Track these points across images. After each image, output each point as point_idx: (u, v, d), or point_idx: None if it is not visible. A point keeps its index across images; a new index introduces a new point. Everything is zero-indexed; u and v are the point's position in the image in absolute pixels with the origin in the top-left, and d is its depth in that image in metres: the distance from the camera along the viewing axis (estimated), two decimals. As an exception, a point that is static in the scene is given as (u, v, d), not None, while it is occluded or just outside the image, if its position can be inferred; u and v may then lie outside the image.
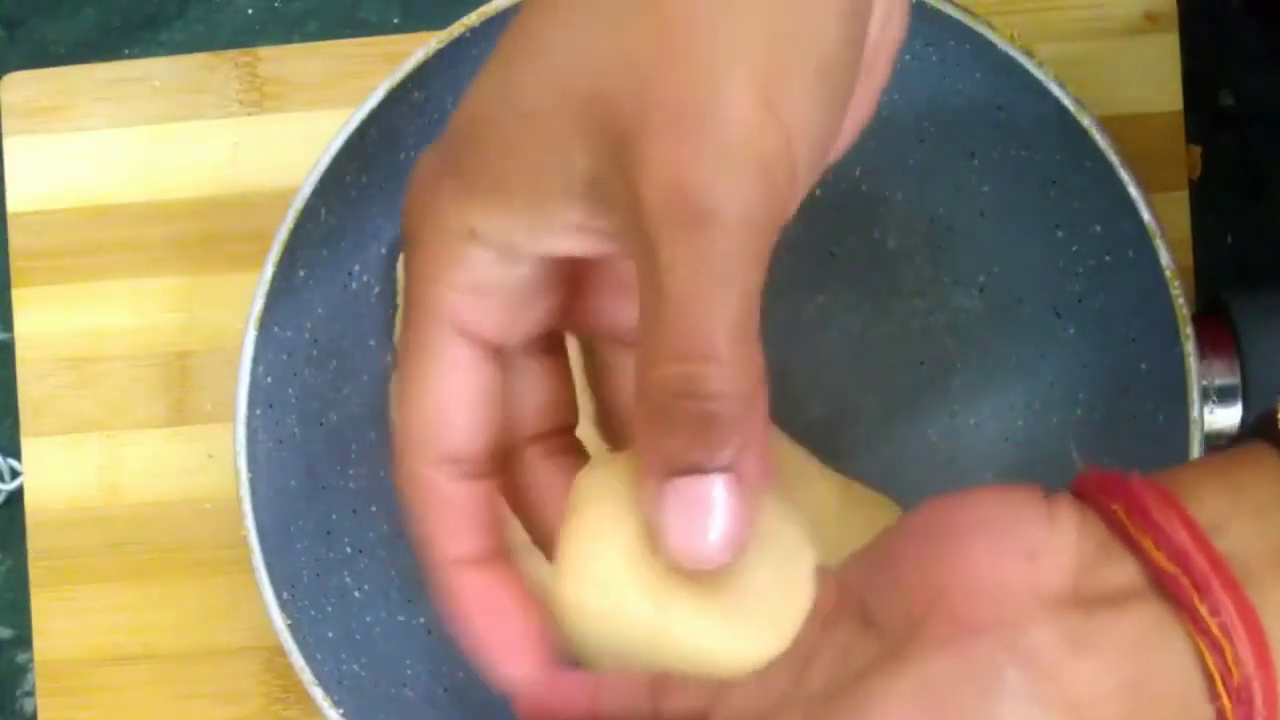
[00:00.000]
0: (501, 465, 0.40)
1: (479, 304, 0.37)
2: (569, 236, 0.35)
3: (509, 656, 0.38)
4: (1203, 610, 0.35)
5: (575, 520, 0.37)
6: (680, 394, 0.33)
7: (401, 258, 0.62)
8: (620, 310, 0.40)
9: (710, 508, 0.35)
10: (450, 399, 0.37)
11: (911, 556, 0.37)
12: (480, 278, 0.36)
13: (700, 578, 0.36)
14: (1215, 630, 0.35)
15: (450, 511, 0.38)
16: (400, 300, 0.62)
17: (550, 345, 0.40)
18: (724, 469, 0.34)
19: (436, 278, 0.36)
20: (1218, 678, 0.35)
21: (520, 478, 0.40)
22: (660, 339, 0.33)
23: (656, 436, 0.34)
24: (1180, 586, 0.35)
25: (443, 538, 0.38)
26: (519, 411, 0.40)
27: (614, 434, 0.42)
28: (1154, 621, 0.36)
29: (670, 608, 0.36)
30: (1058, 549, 0.36)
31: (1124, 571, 0.36)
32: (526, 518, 0.41)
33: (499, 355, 0.38)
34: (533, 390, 0.40)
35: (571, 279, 0.39)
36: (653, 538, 0.35)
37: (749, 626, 0.36)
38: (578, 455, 0.41)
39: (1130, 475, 0.37)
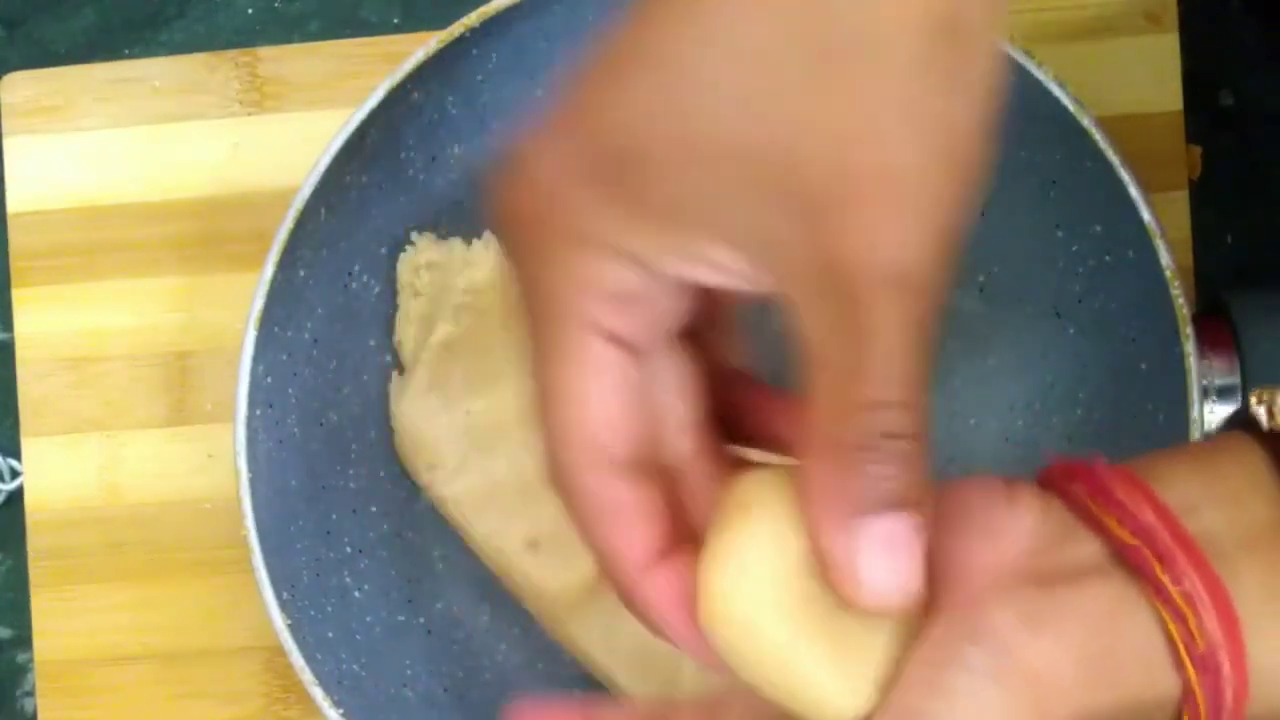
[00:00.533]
0: (660, 466, 0.39)
1: (620, 310, 0.36)
2: (713, 272, 0.36)
3: (704, 646, 0.38)
4: (1165, 579, 0.35)
5: (733, 525, 0.37)
6: (884, 434, 0.34)
7: (402, 258, 0.62)
8: (721, 339, 0.40)
9: (904, 547, 0.35)
10: (607, 401, 0.37)
11: None
12: (622, 287, 0.36)
13: (837, 617, 0.36)
14: (1177, 598, 0.35)
15: (628, 517, 0.37)
16: (402, 296, 0.62)
17: (690, 336, 0.40)
18: (916, 506, 0.35)
19: (572, 282, 0.36)
20: (1181, 646, 0.35)
21: (678, 473, 0.40)
22: (858, 387, 0.34)
23: (850, 475, 0.35)
24: (1142, 557, 0.36)
25: (618, 545, 0.38)
26: (668, 405, 0.39)
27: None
28: (1115, 594, 0.36)
29: (803, 638, 0.36)
30: (1017, 530, 0.37)
31: (1086, 550, 0.37)
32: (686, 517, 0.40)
33: (640, 355, 0.37)
34: (678, 382, 0.39)
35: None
36: (836, 574, 0.35)
37: (861, 676, 0.36)
38: (725, 453, 0.40)
39: (1095, 461, 0.37)
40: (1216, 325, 0.58)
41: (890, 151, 0.34)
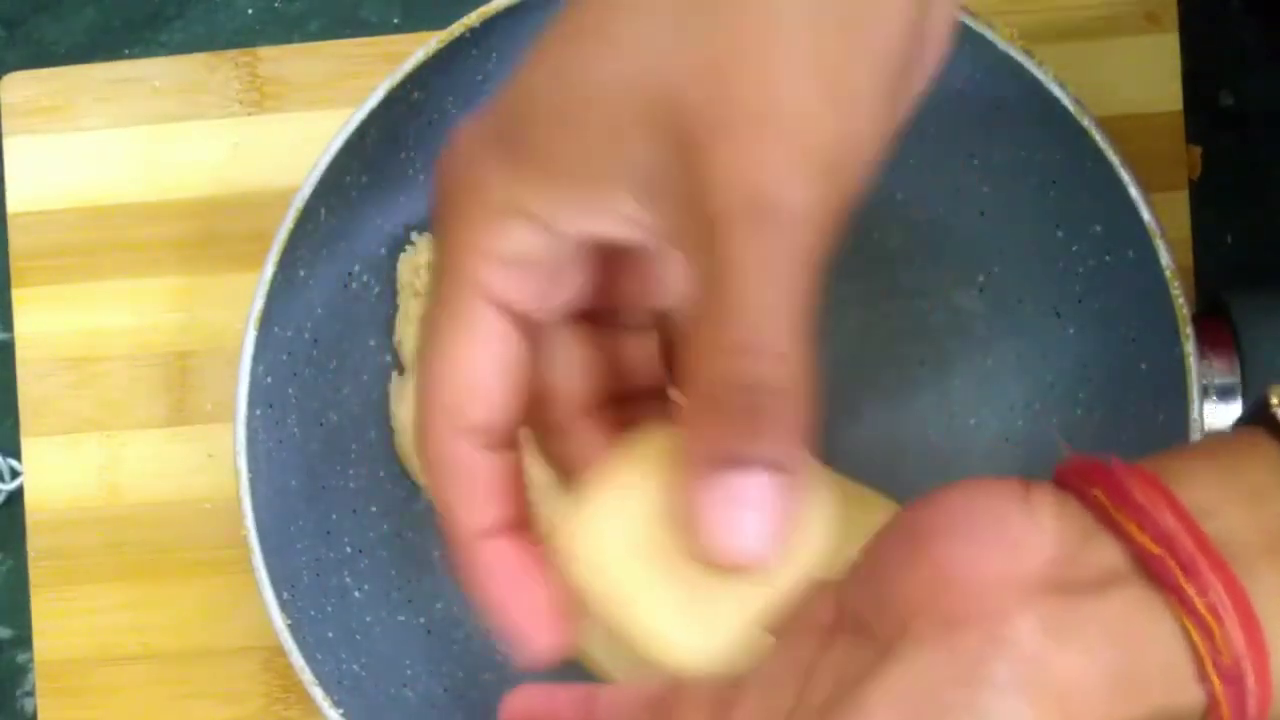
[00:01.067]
0: (547, 437, 0.39)
1: (513, 275, 0.36)
2: (613, 222, 0.36)
3: (530, 625, 0.38)
4: (1189, 590, 0.35)
5: (602, 475, 0.37)
6: (736, 385, 0.33)
7: (401, 258, 0.62)
8: (642, 295, 0.40)
9: (753, 505, 0.34)
10: (479, 368, 0.37)
11: (896, 560, 0.37)
12: (517, 250, 0.36)
13: (696, 570, 0.36)
14: (1202, 610, 0.35)
15: (474, 482, 0.37)
16: (402, 296, 0.62)
17: (586, 317, 0.40)
18: (771, 465, 0.34)
19: (472, 247, 0.36)
20: (1206, 658, 0.35)
21: (567, 447, 0.40)
22: (719, 330, 0.33)
23: (704, 426, 0.34)
24: (1165, 567, 0.35)
25: (466, 508, 0.38)
26: (558, 382, 0.39)
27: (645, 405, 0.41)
28: (1139, 604, 0.35)
29: (650, 582, 0.36)
30: (1037, 538, 0.36)
31: (1107, 556, 0.36)
32: (572, 485, 0.40)
33: (530, 327, 0.38)
34: (570, 360, 0.39)
35: (603, 257, 0.39)
36: (681, 526, 0.35)
37: (710, 629, 0.36)
38: (630, 427, 0.40)
39: (1112, 461, 0.37)
40: (1216, 325, 0.58)
41: (765, 86, 0.33)
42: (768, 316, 0.33)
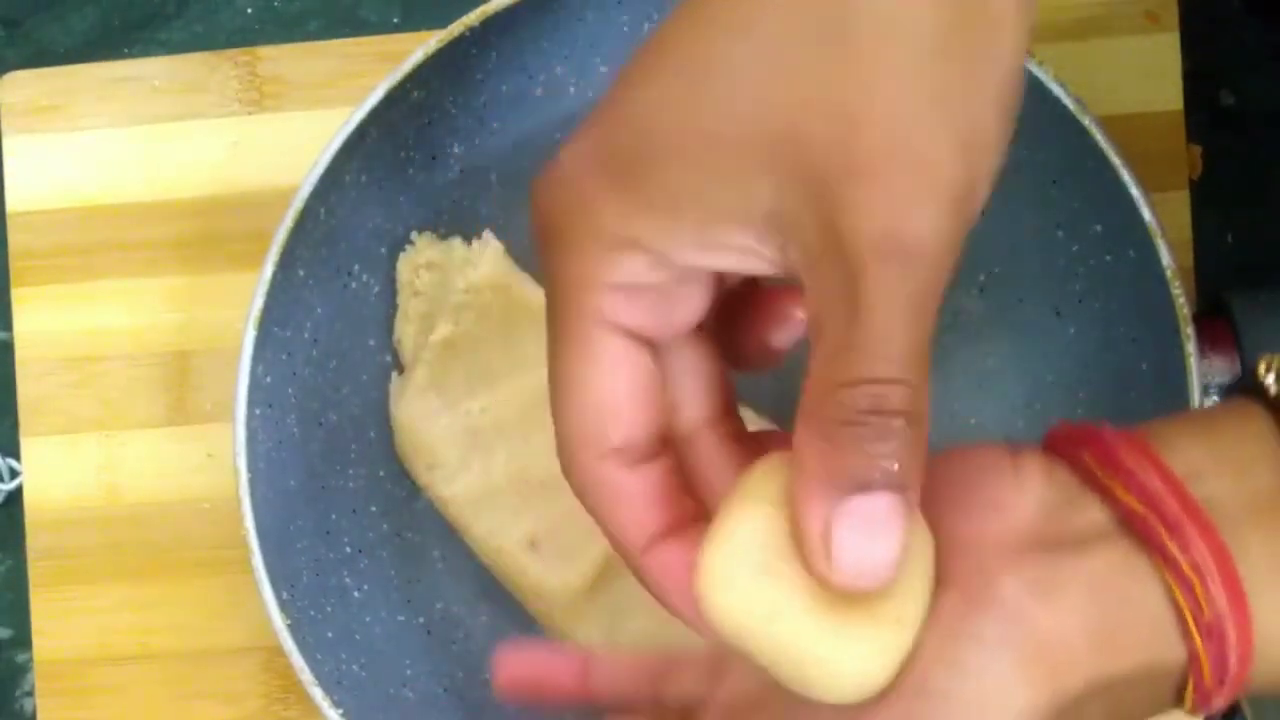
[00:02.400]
0: (672, 450, 0.40)
1: (633, 302, 0.37)
2: (731, 257, 0.36)
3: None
4: (1172, 547, 0.36)
5: (735, 502, 0.37)
6: (874, 410, 0.34)
7: (401, 258, 0.62)
8: (754, 329, 0.40)
9: (886, 526, 0.34)
10: (613, 392, 0.37)
11: None
12: (635, 280, 0.37)
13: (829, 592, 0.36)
14: (1185, 567, 0.35)
15: (626, 500, 0.38)
16: (402, 296, 0.62)
17: (715, 329, 0.40)
18: (900, 488, 0.34)
19: (587, 279, 0.37)
20: (1188, 614, 0.36)
21: (694, 461, 0.40)
22: (855, 361, 0.34)
23: (834, 451, 0.34)
24: (1149, 525, 0.36)
25: (629, 527, 0.38)
26: (685, 395, 0.40)
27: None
28: (1122, 562, 0.36)
29: (796, 610, 0.36)
30: (1023, 499, 0.37)
31: (1091, 516, 0.37)
32: (700, 499, 0.41)
33: (653, 346, 0.38)
34: (695, 373, 0.40)
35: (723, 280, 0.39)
36: (810, 550, 0.35)
37: (863, 651, 0.36)
38: (750, 440, 0.41)
39: (1101, 426, 0.37)
40: (1216, 325, 0.58)
41: (897, 128, 0.34)
42: (902, 350, 0.34)
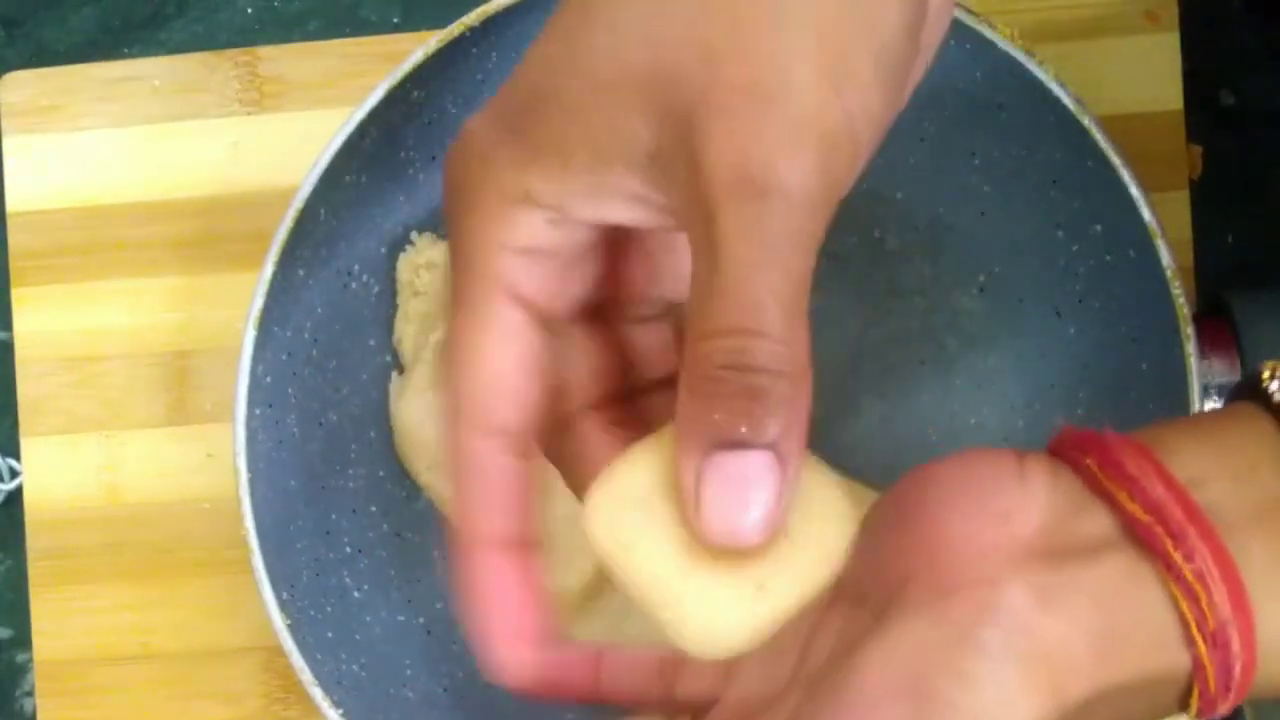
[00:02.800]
0: (555, 434, 0.39)
1: (531, 267, 0.36)
2: (624, 205, 0.36)
3: (507, 643, 0.38)
4: (1177, 557, 0.35)
5: (625, 456, 0.37)
6: (729, 365, 0.34)
7: (401, 258, 0.62)
8: (652, 284, 0.40)
9: (751, 485, 0.34)
10: (505, 366, 0.37)
11: (891, 529, 0.37)
12: (533, 240, 0.36)
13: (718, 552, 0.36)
14: (1189, 576, 0.35)
15: (493, 487, 0.37)
16: (402, 296, 0.62)
17: (596, 313, 0.40)
18: (767, 446, 0.34)
19: (489, 239, 0.36)
20: (1193, 623, 0.35)
21: (574, 445, 0.40)
22: (712, 311, 0.34)
23: (700, 409, 0.34)
24: (1153, 534, 0.36)
25: (478, 513, 0.38)
26: (570, 379, 0.40)
27: (641, 410, 0.41)
28: (1126, 570, 0.36)
29: (656, 542, 0.36)
30: (1029, 506, 0.37)
31: (1096, 523, 0.36)
32: (578, 485, 0.40)
33: (548, 323, 0.38)
34: (582, 357, 0.40)
35: (612, 250, 0.39)
36: (684, 502, 0.35)
37: (717, 603, 0.36)
38: (636, 426, 0.40)
39: (1105, 432, 0.37)
40: (1216, 325, 0.58)
41: (762, 66, 0.33)
42: (764, 299, 0.33)
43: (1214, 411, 0.40)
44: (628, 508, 0.36)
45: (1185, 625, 0.36)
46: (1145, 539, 0.36)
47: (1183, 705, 0.37)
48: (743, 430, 0.34)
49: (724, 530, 0.35)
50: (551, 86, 0.36)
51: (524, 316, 0.37)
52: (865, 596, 0.37)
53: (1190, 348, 0.55)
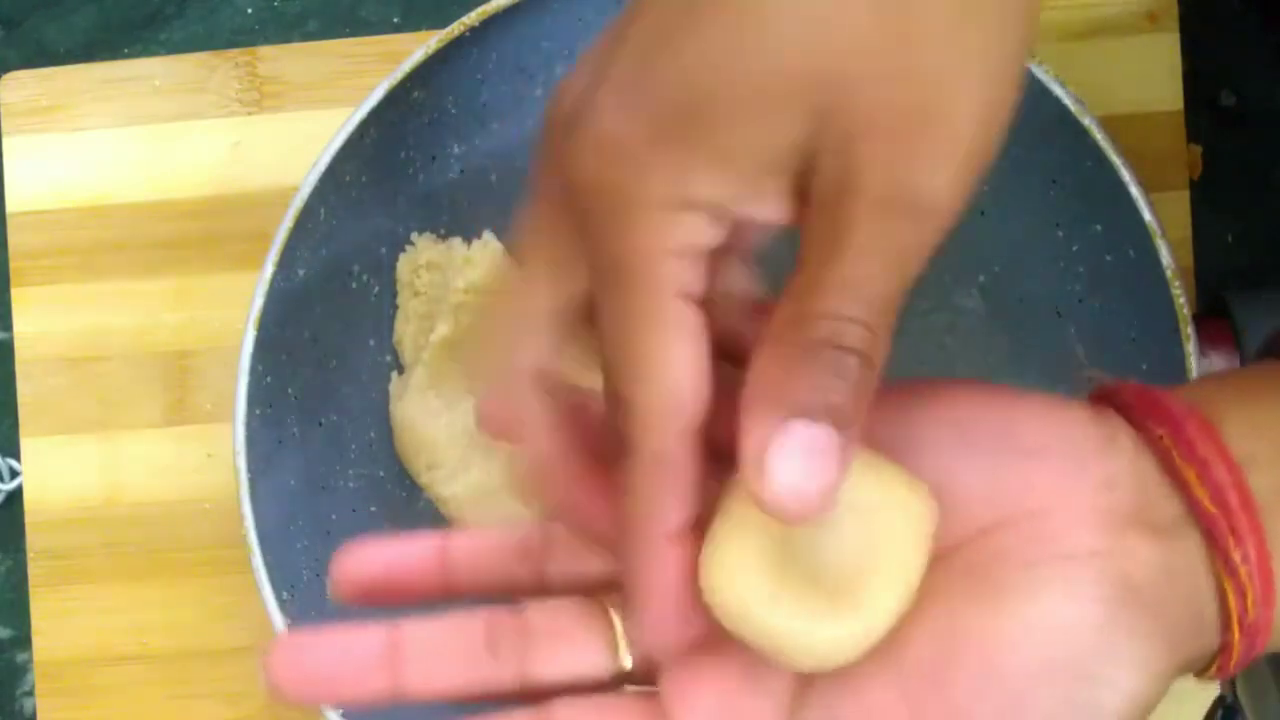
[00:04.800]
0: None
1: (696, 267, 0.36)
2: (775, 205, 0.36)
3: (673, 633, 0.38)
4: (1235, 556, 0.37)
5: (727, 501, 0.37)
6: (827, 342, 0.34)
7: (401, 258, 0.62)
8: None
9: (821, 456, 0.35)
10: (690, 366, 0.36)
11: (962, 462, 0.38)
12: (694, 242, 0.36)
13: (823, 580, 0.36)
14: (1243, 576, 0.37)
15: (683, 484, 0.37)
16: (402, 296, 0.62)
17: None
18: (841, 424, 0.35)
19: (656, 246, 0.36)
20: (1235, 617, 0.37)
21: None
22: (823, 298, 0.35)
23: (785, 377, 0.35)
24: (1219, 528, 0.37)
25: (668, 510, 0.37)
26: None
27: None
28: (1197, 555, 0.37)
29: (780, 596, 0.36)
30: (1125, 476, 0.38)
31: (1172, 505, 0.38)
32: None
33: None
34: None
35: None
36: (745, 467, 0.35)
37: (847, 616, 0.36)
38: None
39: (1164, 395, 0.38)
40: (1216, 325, 0.58)
41: (929, 88, 0.34)
42: (872, 296, 0.35)
43: (1255, 369, 0.41)
44: (743, 570, 0.37)
45: (1227, 616, 0.37)
46: (1211, 531, 0.37)
47: (1197, 674, 0.38)
48: (824, 403, 0.35)
49: (787, 494, 0.35)
50: (713, 87, 0.35)
51: (697, 310, 0.37)
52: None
53: (1190, 347, 0.55)
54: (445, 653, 0.40)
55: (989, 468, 0.38)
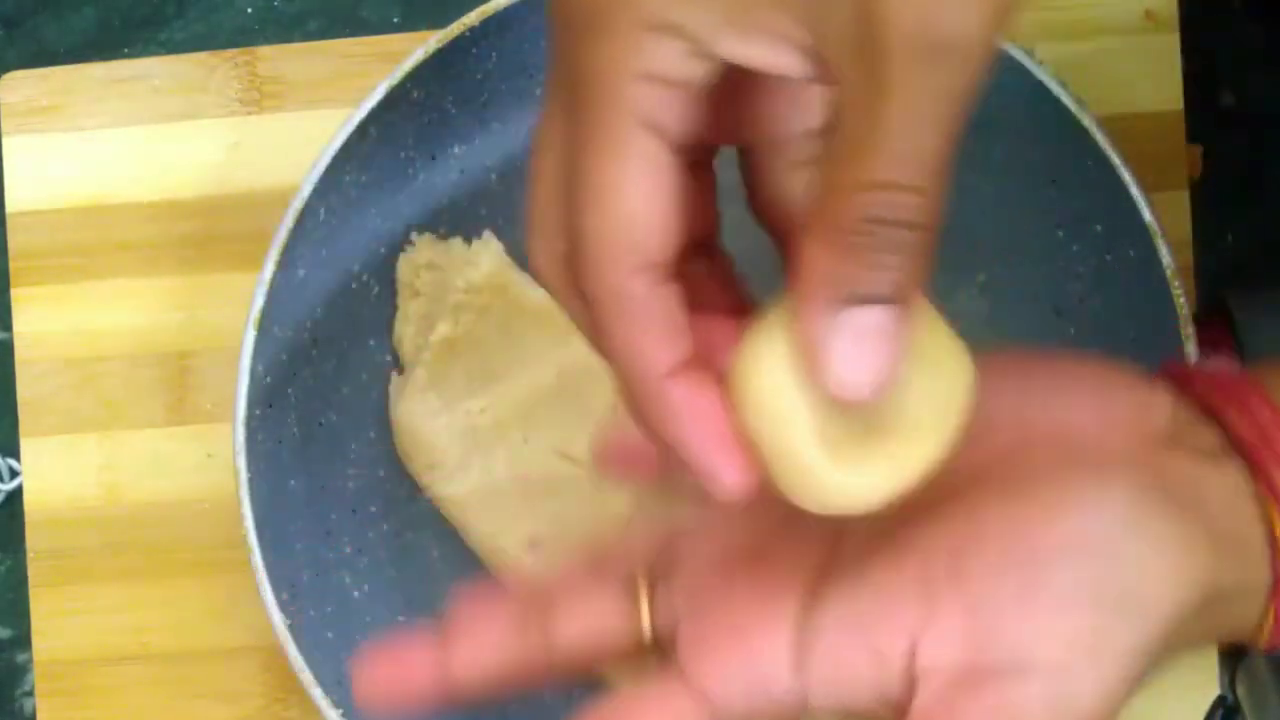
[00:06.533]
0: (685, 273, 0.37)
1: (666, 97, 0.34)
2: (768, 44, 0.34)
3: (726, 459, 0.36)
4: (1277, 478, 0.37)
5: (766, 318, 0.36)
6: (879, 219, 0.33)
7: (401, 258, 0.62)
8: (787, 119, 0.38)
9: (886, 338, 0.33)
10: (648, 197, 0.34)
11: (1005, 396, 0.38)
12: (669, 70, 0.34)
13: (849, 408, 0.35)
14: None
15: (653, 320, 0.35)
16: (402, 296, 0.62)
17: (698, 157, 0.38)
18: (901, 300, 0.34)
19: (623, 66, 0.34)
20: None
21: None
22: (868, 163, 0.32)
23: (838, 260, 0.33)
24: (1260, 454, 0.37)
25: (651, 350, 0.35)
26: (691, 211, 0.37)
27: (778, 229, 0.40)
28: (1239, 481, 0.37)
29: (816, 424, 0.35)
30: (1162, 407, 0.38)
31: (1210, 438, 0.38)
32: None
33: (682, 153, 0.35)
34: (695, 191, 0.37)
35: (733, 88, 0.37)
36: (806, 355, 0.34)
37: (879, 465, 0.35)
38: (731, 270, 0.39)
39: (1199, 366, 0.40)
40: (1216, 325, 0.58)
41: None
42: (922, 153, 0.33)
43: None
44: (775, 381, 0.35)
45: (1274, 543, 0.37)
46: (1252, 457, 0.37)
47: (1257, 630, 0.38)
48: (883, 284, 0.33)
49: (858, 383, 0.34)
50: None
51: (664, 145, 0.35)
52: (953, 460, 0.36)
53: (1190, 347, 0.55)
54: (483, 636, 0.40)
55: (1018, 393, 0.38)
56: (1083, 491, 0.36)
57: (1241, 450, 0.37)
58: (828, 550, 0.38)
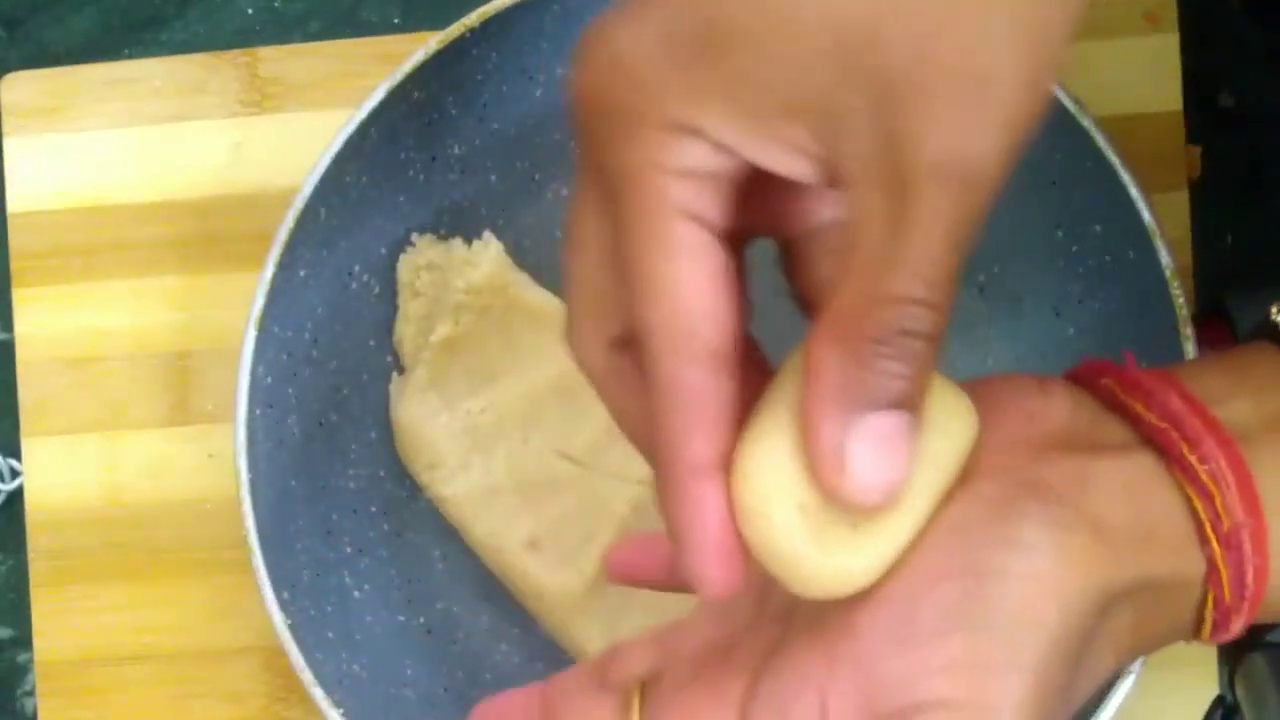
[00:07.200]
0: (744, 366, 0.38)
1: (700, 188, 0.35)
2: (786, 154, 0.35)
3: (720, 569, 0.37)
4: (1192, 459, 0.36)
5: (760, 415, 0.36)
6: (898, 331, 0.34)
7: (402, 259, 0.62)
8: (818, 212, 0.39)
9: (898, 444, 0.34)
10: (703, 285, 0.35)
11: None
12: (696, 165, 0.35)
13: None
14: (1204, 478, 0.36)
15: (705, 412, 0.36)
16: (402, 296, 0.62)
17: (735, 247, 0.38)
18: (914, 409, 0.35)
19: (655, 164, 0.35)
20: (1207, 523, 0.36)
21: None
22: (892, 279, 0.34)
23: (857, 368, 0.34)
24: (1170, 439, 0.37)
25: (697, 440, 0.36)
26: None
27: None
28: (1148, 470, 0.37)
29: (810, 525, 0.35)
30: (1052, 412, 0.38)
31: (1116, 432, 0.38)
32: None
33: (726, 239, 0.36)
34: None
35: (765, 181, 0.37)
36: (821, 463, 0.35)
37: (868, 554, 0.36)
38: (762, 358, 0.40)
39: (1125, 359, 0.39)
40: (1216, 325, 0.58)
41: (974, 50, 0.34)
42: (940, 273, 0.34)
43: (1230, 349, 0.41)
44: (772, 478, 0.36)
45: (1199, 525, 0.36)
46: (1162, 442, 0.37)
47: (1197, 625, 0.38)
48: (896, 393, 0.34)
49: (873, 488, 0.35)
50: (741, 23, 0.34)
51: (708, 234, 0.36)
52: None
53: (1190, 348, 0.55)
54: None
55: None
56: (948, 518, 0.36)
57: (1152, 438, 0.37)
58: (780, 628, 0.39)
